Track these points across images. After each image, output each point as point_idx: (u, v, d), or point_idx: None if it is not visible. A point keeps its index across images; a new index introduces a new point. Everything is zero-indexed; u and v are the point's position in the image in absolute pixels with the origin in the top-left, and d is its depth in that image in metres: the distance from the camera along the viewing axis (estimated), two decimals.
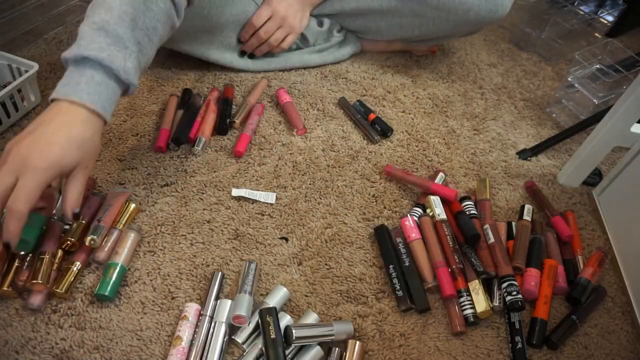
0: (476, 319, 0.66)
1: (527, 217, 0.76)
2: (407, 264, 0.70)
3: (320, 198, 0.79)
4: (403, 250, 0.71)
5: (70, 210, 0.59)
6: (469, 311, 0.66)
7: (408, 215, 0.75)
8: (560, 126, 0.97)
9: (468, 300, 0.66)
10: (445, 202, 0.76)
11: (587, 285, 0.69)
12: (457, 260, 0.68)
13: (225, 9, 0.89)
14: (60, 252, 0.65)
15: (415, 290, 0.67)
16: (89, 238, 0.66)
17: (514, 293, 0.65)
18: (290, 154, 0.85)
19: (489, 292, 0.68)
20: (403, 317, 0.67)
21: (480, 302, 0.66)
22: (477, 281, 0.67)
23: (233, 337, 0.62)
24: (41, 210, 0.65)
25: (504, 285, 0.66)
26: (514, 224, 0.76)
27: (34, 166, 0.54)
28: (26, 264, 0.64)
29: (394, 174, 0.82)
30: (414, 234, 0.72)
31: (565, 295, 0.70)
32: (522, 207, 0.78)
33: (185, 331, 0.61)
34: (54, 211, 0.68)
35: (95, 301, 0.64)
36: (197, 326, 0.62)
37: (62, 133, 0.57)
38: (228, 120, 0.87)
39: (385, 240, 0.72)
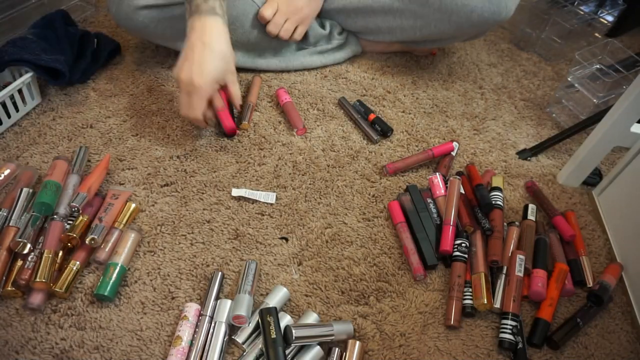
0: (473, 310, 0.66)
1: (531, 217, 0.76)
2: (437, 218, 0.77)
3: (320, 198, 0.79)
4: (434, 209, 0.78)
5: (238, 103, 0.83)
6: (467, 302, 0.67)
7: (436, 174, 0.80)
8: (560, 126, 0.97)
9: (469, 292, 0.67)
10: (468, 177, 0.82)
11: (609, 288, 0.69)
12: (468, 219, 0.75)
13: (226, 11, 0.89)
14: (60, 252, 0.66)
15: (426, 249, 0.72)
16: (89, 238, 0.66)
17: (512, 332, 0.64)
18: (290, 154, 0.85)
19: (492, 286, 0.68)
20: (403, 317, 0.67)
21: (481, 295, 0.66)
22: (482, 274, 0.68)
23: (233, 337, 0.62)
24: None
25: (507, 322, 0.65)
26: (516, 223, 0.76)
27: (194, 85, 0.75)
28: (28, 262, 0.64)
29: (397, 167, 0.82)
30: (438, 191, 0.79)
31: (588, 293, 0.69)
32: (526, 206, 0.77)
33: (185, 331, 0.61)
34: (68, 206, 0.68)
35: (95, 301, 0.64)
36: (197, 326, 0.62)
37: (207, 53, 0.75)
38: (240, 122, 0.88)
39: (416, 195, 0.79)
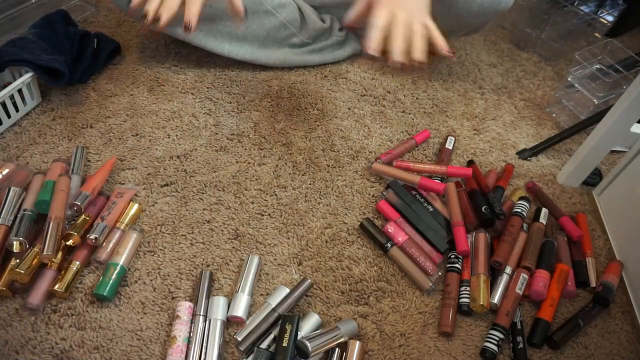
0: (470, 310, 0.67)
1: (542, 220, 0.76)
2: (430, 209, 0.77)
3: (320, 198, 0.79)
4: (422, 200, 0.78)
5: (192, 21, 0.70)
6: (464, 300, 0.67)
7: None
8: (560, 126, 0.97)
9: (467, 291, 0.68)
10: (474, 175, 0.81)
11: (612, 288, 0.69)
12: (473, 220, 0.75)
13: None
14: (60, 253, 0.65)
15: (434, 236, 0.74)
16: (91, 236, 0.66)
17: (497, 344, 0.64)
18: (290, 154, 0.85)
19: (492, 286, 0.69)
20: (403, 317, 0.67)
21: (478, 296, 0.66)
22: (481, 276, 0.68)
23: (235, 336, 0.62)
24: None
25: (495, 333, 0.65)
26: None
27: None
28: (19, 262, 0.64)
29: (401, 166, 0.83)
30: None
31: (593, 295, 0.69)
32: (539, 209, 0.77)
33: (179, 330, 0.61)
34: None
35: (95, 301, 0.64)
36: (191, 325, 0.62)
37: None
38: None
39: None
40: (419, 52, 0.67)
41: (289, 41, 0.99)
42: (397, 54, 0.66)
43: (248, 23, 0.93)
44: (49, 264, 0.64)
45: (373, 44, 0.66)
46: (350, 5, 0.99)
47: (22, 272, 0.61)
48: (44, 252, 0.62)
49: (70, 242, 0.66)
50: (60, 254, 0.65)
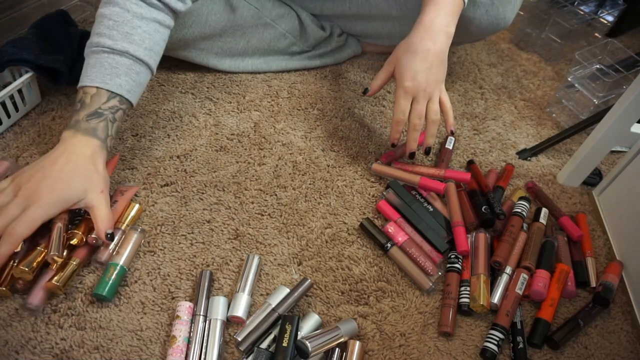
0: (470, 310, 0.67)
1: (542, 220, 0.76)
2: (430, 209, 0.77)
3: (320, 198, 0.79)
4: (423, 200, 0.79)
5: (103, 231, 0.63)
6: (464, 300, 0.67)
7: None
8: (560, 126, 0.97)
9: (467, 291, 0.68)
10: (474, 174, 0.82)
11: (612, 288, 0.69)
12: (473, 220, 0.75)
13: (223, 16, 0.89)
14: (65, 252, 0.65)
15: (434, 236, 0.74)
16: (91, 237, 0.66)
17: (497, 344, 0.64)
18: (290, 154, 0.85)
19: (492, 286, 0.69)
20: (403, 317, 0.67)
21: (478, 296, 0.66)
22: (481, 276, 0.68)
23: (235, 336, 0.62)
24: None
25: (495, 333, 0.65)
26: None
27: (40, 199, 0.59)
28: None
29: (400, 168, 0.82)
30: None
31: (593, 295, 0.69)
32: (539, 209, 0.77)
33: (179, 329, 0.61)
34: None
35: (95, 301, 0.64)
36: (191, 325, 0.62)
37: (69, 168, 0.62)
38: None
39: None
40: (431, 138, 0.77)
41: (289, 49, 0.99)
42: (411, 143, 0.77)
43: (248, 37, 0.94)
44: (53, 264, 0.64)
45: (392, 137, 0.77)
46: (349, 17, 1.00)
47: (26, 269, 0.61)
48: (51, 252, 0.62)
49: (74, 241, 0.66)
50: (65, 253, 0.65)
